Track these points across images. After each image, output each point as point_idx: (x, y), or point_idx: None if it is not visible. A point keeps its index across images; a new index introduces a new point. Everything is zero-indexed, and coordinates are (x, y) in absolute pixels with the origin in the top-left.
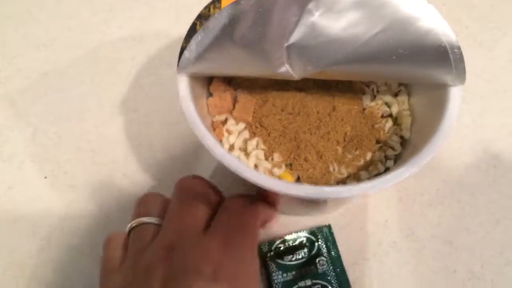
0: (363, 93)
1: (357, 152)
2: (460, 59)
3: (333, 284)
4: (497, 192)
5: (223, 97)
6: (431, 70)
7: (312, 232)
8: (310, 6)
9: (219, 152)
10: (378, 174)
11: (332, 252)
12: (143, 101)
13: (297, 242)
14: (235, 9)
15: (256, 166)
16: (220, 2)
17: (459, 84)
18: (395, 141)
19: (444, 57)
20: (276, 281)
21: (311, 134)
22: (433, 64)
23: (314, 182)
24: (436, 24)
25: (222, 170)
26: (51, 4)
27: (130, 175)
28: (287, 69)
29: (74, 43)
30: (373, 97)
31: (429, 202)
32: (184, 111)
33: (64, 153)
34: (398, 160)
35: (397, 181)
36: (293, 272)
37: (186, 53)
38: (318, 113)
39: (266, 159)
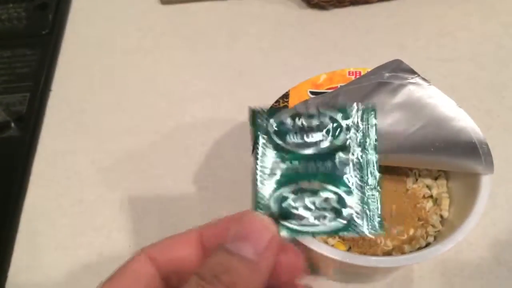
0: (407, 176)
1: (401, 228)
2: (488, 153)
3: (355, 202)
4: None
5: None
6: (464, 161)
7: (341, 109)
8: None
9: None
10: (420, 248)
11: (368, 149)
12: (212, 180)
13: (315, 120)
14: (304, 107)
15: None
16: (288, 97)
17: (489, 173)
18: (435, 219)
19: (474, 151)
20: (261, 170)
21: None
22: (465, 156)
23: (364, 252)
24: (466, 124)
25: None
26: (135, 96)
27: None
28: None
29: (153, 130)
30: (416, 180)
31: (470, 276)
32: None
33: (146, 225)
34: (438, 236)
35: (436, 255)
36: (295, 163)
37: None
38: None
39: None
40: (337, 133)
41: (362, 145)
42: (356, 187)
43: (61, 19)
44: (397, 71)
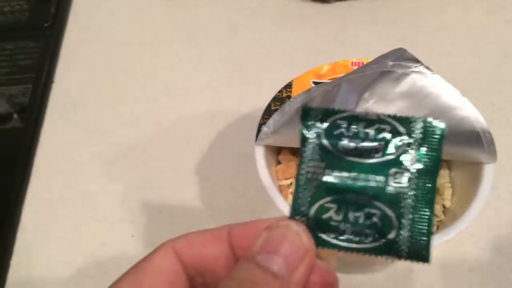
0: None
1: None
2: (491, 141)
3: (403, 223)
4: None
5: (289, 165)
6: (467, 149)
7: (404, 119)
8: (366, 95)
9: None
10: None
11: (424, 168)
12: (214, 171)
13: (373, 128)
14: (308, 95)
15: None
16: (291, 87)
17: (492, 162)
18: (437, 209)
19: (478, 140)
20: (305, 173)
21: None
22: (468, 145)
23: None
24: (470, 113)
25: None
26: (136, 89)
27: None
28: None
29: (154, 122)
30: None
31: (471, 268)
32: (261, 176)
33: (148, 215)
34: (440, 226)
35: (437, 244)
36: (344, 172)
37: (265, 128)
38: None
39: None
40: (396, 146)
41: (421, 163)
42: (408, 208)
43: (63, 12)
44: (400, 59)
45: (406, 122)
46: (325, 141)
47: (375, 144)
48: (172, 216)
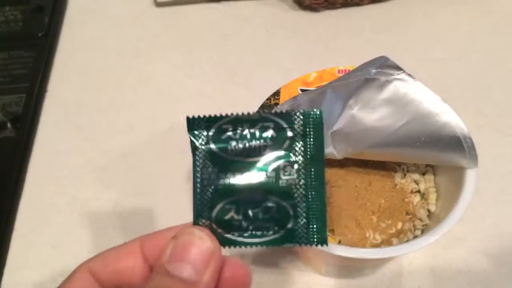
0: (395, 171)
1: (389, 222)
2: (472, 146)
3: (299, 212)
4: None
5: None
6: (449, 155)
7: (285, 115)
8: (351, 102)
9: None
10: (407, 241)
11: (310, 157)
12: None
13: (257, 127)
14: (293, 102)
15: None
16: (279, 95)
17: (474, 167)
18: (422, 213)
19: (459, 145)
20: (200, 180)
21: (350, 204)
22: (450, 150)
23: (353, 246)
24: (451, 118)
25: None
26: (129, 97)
27: None
28: (331, 151)
29: (148, 129)
30: (404, 175)
31: (458, 270)
32: None
33: (140, 222)
34: (425, 230)
35: (421, 246)
36: (237, 173)
37: None
38: (356, 186)
39: None
40: (280, 140)
41: (306, 153)
42: (300, 197)
43: (57, 21)
44: (383, 67)
45: (287, 116)
46: (213, 147)
47: (261, 142)
48: (165, 223)
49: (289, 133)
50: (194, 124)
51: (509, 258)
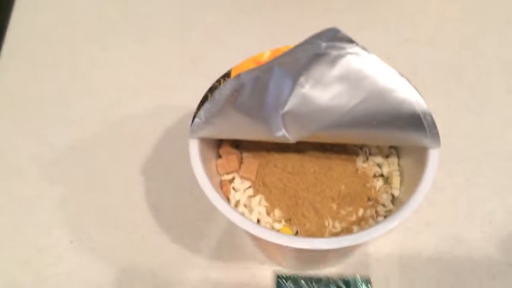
0: (357, 155)
1: (350, 209)
2: (433, 125)
3: None
4: (493, 248)
5: (230, 158)
6: (409, 134)
7: (346, 282)
8: (301, 79)
9: (223, 207)
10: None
11: None
12: (162, 170)
13: (323, 284)
14: (236, 82)
15: (258, 221)
16: (230, 76)
17: (436, 147)
18: (385, 198)
19: (419, 123)
20: None
21: (308, 191)
22: (409, 129)
23: (311, 235)
24: (409, 94)
25: (231, 229)
26: (82, 87)
27: (147, 237)
28: (283, 133)
29: (100, 121)
30: (366, 159)
31: (429, 257)
32: (194, 170)
33: (89, 219)
34: (388, 216)
35: (383, 232)
36: None
37: (196, 120)
38: (315, 172)
39: (268, 214)
40: None
41: None
42: None
43: (5, 8)
44: (334, 40)
45: (347, 282)
46: None
47: None
48: (116, 218)
49: None
50: (280, 281)
51: (483, 244)
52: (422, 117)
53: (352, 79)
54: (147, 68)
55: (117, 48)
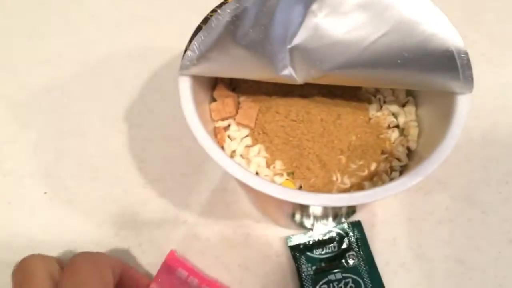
0: (370, 102)
1: (361, 162)
2: (467, 65)
3: (365, 280)
4: (510, 210)
5: (226, 102)
6: (437, 75)
7: (342, 227)
8: (314, 7)
9: (218, 155)
10: (382, 185)
11: (363, 248)
12: (147, 117)
13: (326, 237)
14: (237, 6)
15: (257, 174)
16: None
17: (467, 92)
18: (401, 152)
19: (451, 62)
20: (305, 273)
21: (314, 142)
22: (439, 69)
23: (316, 191)
24: (442, 28)
25: (224, 182)
26: (57, 20)
27: (130, 191)
28: (290, 72)
29: (78, 59)
30: (380, 107)
31: (439, 220)
32: (184, 112)
33: (65, 168)
34: (404, 171)
35: (401, 190)
36: (323, 265)
37: (189, 53)
38: (322, 120)
39: (268, 167)
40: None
41: (358, 247)
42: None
43: None
44: None
45: (341, 228)
46: (309, 253)
47: (330, 245)
48: (95, 169)
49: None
50: (296, 255)
51: (497, 206)
52: (456, 55)
53: (374, 9)
54: (129, 1)
55: None
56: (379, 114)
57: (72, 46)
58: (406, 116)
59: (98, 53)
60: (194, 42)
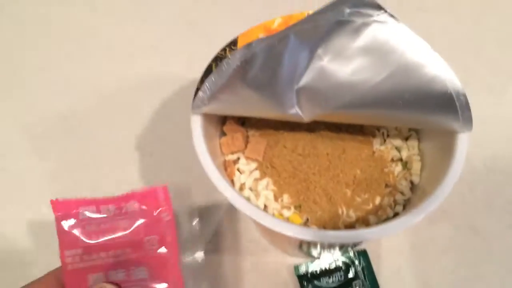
0: (373, 136)
1: (366, 196)
2: (466, 106)
3: None
4: None
5: (235, 137)
6: (438, 116)
7: (348, 256)
8: (320, 51)
9: (226, 189)
10: (387, 219)
11: (369, 277)
12: (159, 146)
13: (333, 265)
14: (247, 51)
15: (265, 207)
16: (236, 45)
17: (467, 131)
18: (404, 185)
19: (450, 104)
20: None
21: (320, 176)
22: (439, 110)
23: (323, 225)
24: (441, 71)
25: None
26: (73, 52)
27: None
28: (296, 111)
29: (93, 90)
30: (383, 141)
31: (443, 249)
32: (196, 149)
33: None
34: (407, 205)
35: (406, 227)
36: None
37: (200, 93)
38: (328, 155)
39: (276, 200)
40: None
41: (364, 276)
42: None
43: None
44: (359, 6)
45: (347, 256)
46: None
47: (337, 274)
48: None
49: (352, 267)
50: (301, 278)
51: (502, 235)
52: (455, 97)
53: (377, 52)
54: (141, 32)
55: (108, 8)
56: (382, 148)
57: (86, 77)
58: (409, 150)
59: (111, 84)
60: (206, 83)
